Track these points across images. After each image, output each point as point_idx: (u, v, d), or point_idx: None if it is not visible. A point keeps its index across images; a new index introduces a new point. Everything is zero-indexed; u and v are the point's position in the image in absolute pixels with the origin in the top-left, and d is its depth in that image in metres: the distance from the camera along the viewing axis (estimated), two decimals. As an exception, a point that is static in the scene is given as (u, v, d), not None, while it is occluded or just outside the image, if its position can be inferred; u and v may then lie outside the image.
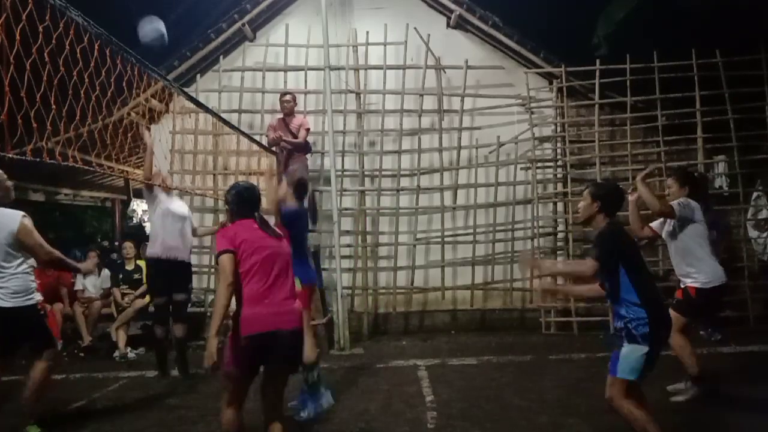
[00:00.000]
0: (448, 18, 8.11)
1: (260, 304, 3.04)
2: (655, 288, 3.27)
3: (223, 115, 6.48)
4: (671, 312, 3.85)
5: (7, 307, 3.82)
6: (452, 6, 7.91)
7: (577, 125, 8.02)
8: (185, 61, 7.98)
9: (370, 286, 7.88)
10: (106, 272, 7.70)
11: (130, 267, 7.52)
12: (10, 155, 2.77)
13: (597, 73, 7.73)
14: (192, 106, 5.94)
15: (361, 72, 8.05)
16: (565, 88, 7.82)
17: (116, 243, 12.52)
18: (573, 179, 7.85)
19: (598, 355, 5.49)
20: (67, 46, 2.89)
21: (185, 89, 5.96)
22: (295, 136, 7.13)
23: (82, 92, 3.14)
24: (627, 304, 3.14)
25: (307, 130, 7.26)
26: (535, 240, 7.75)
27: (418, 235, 7.92)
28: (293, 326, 3.11)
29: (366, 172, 8.03)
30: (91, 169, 4.23)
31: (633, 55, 7.71)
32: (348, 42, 8.03)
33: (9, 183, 4.06)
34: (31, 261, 4.09)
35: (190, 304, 6.24)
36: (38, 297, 4.07)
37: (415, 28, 7.91)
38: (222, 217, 7.27)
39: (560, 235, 7.89)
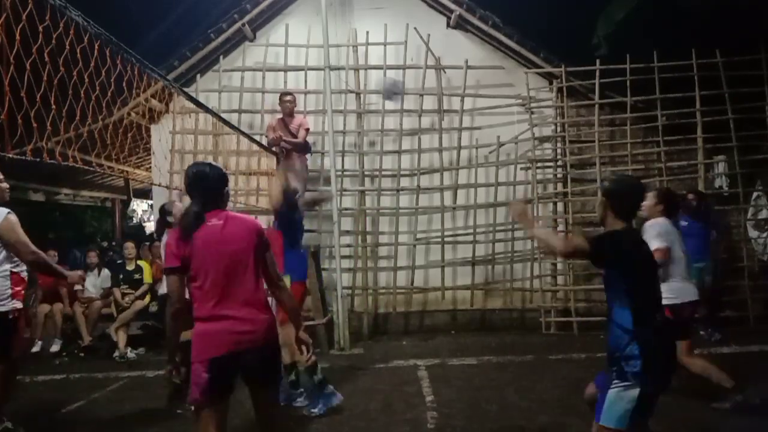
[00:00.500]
0: (448, 18, 8.10)
1: (216, 322, 2.64)
2: (658, 313, 2.67)
3: (223, 115, 6.48)
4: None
5: None
6: (452, 6, 7.91)
7: (577, 125, 8.02)
8: (185, 61, 7.97)
9: (370, 286, 7.88)
10: (106, 272, 7.70)
11: (130, 267, 7.52)
12: (10, 155, 2.77)
13: (597, 73, 7.73)
14: (192, 106, 5.94)
15: (361, 72, 8.05)
16: (565, 88, 7.82)
17: (113, 243, 12.54)
18: (573, 179, 7.85)
19: (598, 355, 5.47)
20: (67, 46, 2.89)
21: (185, 89, 5.95)
22: (295, 137, 7.14)
23: (82, 92, 3.13)
24: (619, 331, 2.61)
25: (307, 130, 7.26)
26: (536, 240, 7.74)
27: (418, 235, 7.92)
28: (256, 343, 2.68)
29: (366, 172, 8.03)
30: (91, 169, 4.23)
31: (633, 55, 7.71)
32: (348, 42, 8.03)
33: (4, 184, 4.00)
34: (10, 266, 3.89)
35: None
36: (12, 305, 3.85)
37: (415, 28, 7.91)
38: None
39: (560, 236, 7.89)
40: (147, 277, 7.46)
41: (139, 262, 7.60)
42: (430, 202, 7.99)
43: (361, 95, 8.03)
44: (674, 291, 4.09)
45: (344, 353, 6.63)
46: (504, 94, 7.94)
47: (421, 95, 7.96)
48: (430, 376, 5.46)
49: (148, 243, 8.49)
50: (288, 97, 7.29)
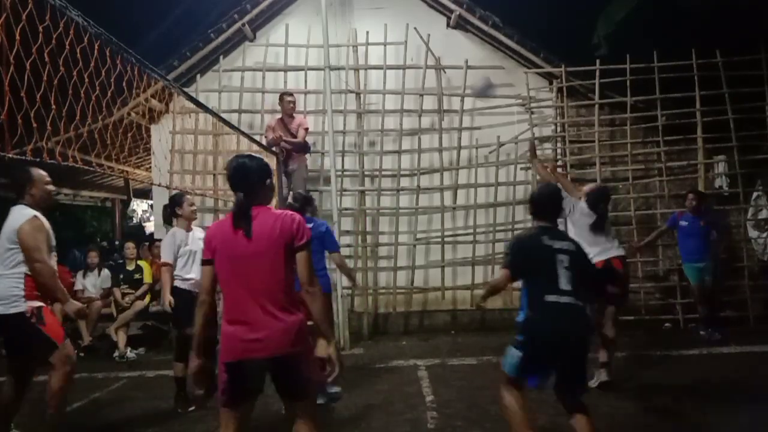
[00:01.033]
0: (448, 18, 8.11)
1: (231, 325, 2.55)
2: (544, 303, 3.42)
3: (223, 115, 6.48)
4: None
5: None
6: (452, 6, 7.91)
7: (577, 125, 8.02)
8: (185, 61, 7.98)
9: (370, 286, 7.88)
10: (106, 272, 7.70)
11: (130, 267, 7.52)
12: (10, 155, 2.76)
13: (597, 73, 7.74)
14: (192, 106, 5.95)
15: (361, 72, 8.05)
16: (565, 88, 7.82)
17: (116, 243, 12.53)
18: (573, 179, 7.82)
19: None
20: (67, 46, 2.88)
21: (185, 89, 5.95)
22: (294, 137, 7.14)
23: (82, 92, 3.13)
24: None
25: (306, 129, 7.26)
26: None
27: (418, 235, 7.92)
28: (268, 352, 2.49)
29: (366, 172, 8.03)
30: (91, 169, 4.23)
31: (633, 55, 7.72)
32: (348, 42, 8.03)
33: (50, 187, 3.89)
34: (26, 269, 3.70)
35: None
36: (25, 305, 3.66)
37: (415, 28, 7.91)
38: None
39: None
40: (147, 277, 7.47)
41: (139, 262, 7.60)
42: (430, 202, 7.99)
43: (361, 95, 8.03)
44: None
45: (344, 353, 6.62)
46: (504, 94, 7.94)
47: (421, 95, 7.96)
48: (430, 376, 5.46)
49: (147, 243, 8.49)
50: (290, 97, 7.29)
